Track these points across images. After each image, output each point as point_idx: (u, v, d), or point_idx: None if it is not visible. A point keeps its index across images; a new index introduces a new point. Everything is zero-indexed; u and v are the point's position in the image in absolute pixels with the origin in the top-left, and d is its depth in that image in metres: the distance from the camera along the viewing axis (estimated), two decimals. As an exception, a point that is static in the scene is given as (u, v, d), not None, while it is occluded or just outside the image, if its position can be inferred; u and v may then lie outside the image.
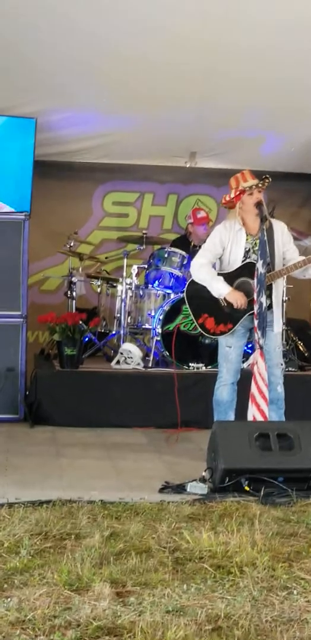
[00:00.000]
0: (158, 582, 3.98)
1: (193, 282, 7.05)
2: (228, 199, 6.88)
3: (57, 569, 4.10)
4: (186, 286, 7.26)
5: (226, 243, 6.86)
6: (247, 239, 6.83)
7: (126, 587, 3.94)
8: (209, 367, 8.68)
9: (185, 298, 7.20)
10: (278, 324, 6.84)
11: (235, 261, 6.84)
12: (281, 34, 7.73)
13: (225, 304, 6.82)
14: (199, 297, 6.98)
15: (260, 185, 6.74)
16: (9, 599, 3.72)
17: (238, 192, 6.76)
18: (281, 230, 6.90)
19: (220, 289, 6.80)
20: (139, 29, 7.69)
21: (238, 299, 6.75)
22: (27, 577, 4.02)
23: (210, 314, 6.92)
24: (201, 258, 6.94)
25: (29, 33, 7.76)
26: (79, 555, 4.28)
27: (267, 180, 6.74)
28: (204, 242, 9.08)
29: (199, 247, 8.90)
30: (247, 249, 6.83)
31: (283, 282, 7.04)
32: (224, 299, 6.81)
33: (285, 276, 7.00)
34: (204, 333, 7.05)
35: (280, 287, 6.94)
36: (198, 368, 8.80)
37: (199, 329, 7.04)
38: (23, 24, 7.61)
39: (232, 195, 6.81)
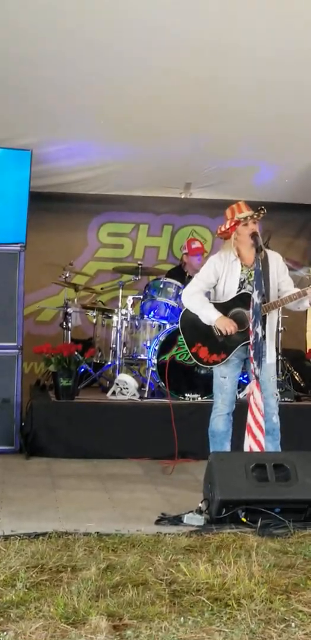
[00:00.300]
0: (155, 615, 3.96)
1: (187, 311, 7.08)
2: (223, 229, 6.91)
3: (53, 602, 4.08)
4: (180, 315, 7.28)
5: (220, 273, 6.88)
6: (242, 270, 6.86)
7: (122, 620, 3.91)
8: (205, 397, 8.67)
9: (179, 327, 7.22)
10: (270, 356, 6.85)
11: (230, 292, 6.86)
12: (276, 66, 7.78)
13: (219, 334, 6.84)
14: (193, 326, 7.01)
15: (255, 216, 6.77)
16: (5, 633, 3.70)
17: (233, 223, 6.80)
18: (276, 261, 6.91)
19: (209, 316, 6.82)
20: (135, 62, 7.73)
21: (226, 326, 6.76)
22: (23, 610, 4.00)
23: (203, 343, 6.94)
24: (192, 286, 6.97)
25: (24, 64, 7.79)
26: (76, 588, 4.26)
27: (262, 212, 6.77)
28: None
29: (194, 277, 8.97)
30: (242, 280, 6.85)
31: (277, 313, 7.05)
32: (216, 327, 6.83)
33: (280, 307, 7.02)
34: (197, 362, 7.06)
35: (273, 319, 6.95)
36: (193, 398, 8.80)
37: (193, 358, 7.06)
38: (19, 56, 7.64)
39: (227, 226, 6.84)
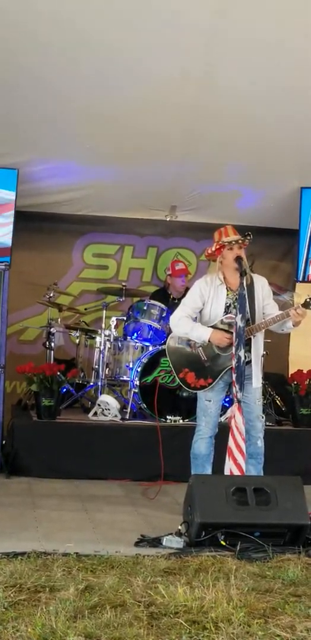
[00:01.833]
0: (133, 637, 3.96)
1: (171, 338, 7.12)
2: (209, 252, 6.94)
3: (31, 622, 4.07)
4: (167, 341, 7.30)
5: (206, 298, 6.89)
6: (228, 294, 6.87)
7: (100, 642, 3.91)
8: (187, 420, 8.68)
9: (166, 352, 7.25)
10: (257, 379, 6.86)
11: (216, 316, 6.87)
12: (258, 95, 7.88)
13: (205, 358, 6.86)
14: (180, 351, 7.05)
15: (240, 241, 6.78)
16: (-19, 652, 3.69)
17: (218, 246, 6.82)
18: (261, 286, 6.93)
19: (201, 335, 6.82)
20: (122, 89, 7.79)
21: (221, 339, 6.77)
22: (0, 629, 3.98)
23: (190, 368, 6.96)
24: (179, 312, 6.98)
25: (9, 84, 7.83)
26: (54, 608, 4.25)
27: (248, 238, 6.80)
28: (182, 293, 9.21)
29: (178, 300, 8.98)
30: (228, 304, 6.86)
31: (262, 337, 7.07)
32: (203, 352, 6.85)
33: (264, 330, 7.03)
34: (185, 387, 7.08)
35: (259, 342, 6.94)
36: (175, 421, 8.79)
37: (180, 384, 7.08)
38: (4, 76, 7.68)
39: (213, 249, 6.87)
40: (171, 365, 7.18)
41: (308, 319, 6.92)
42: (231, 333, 6.72)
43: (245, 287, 6.67)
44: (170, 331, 7.28)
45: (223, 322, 6.84)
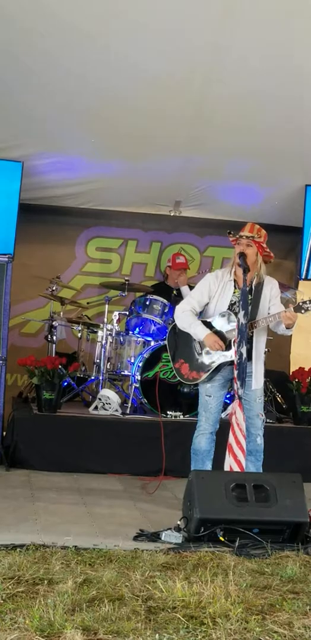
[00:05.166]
0: (130, 630, 3.96)
1: (174, 327, 7.13)
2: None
3: (29, 614, 4.07)
4: (168, 330, 7.33)
5: (213, 292, 6.89)
6: (235, 292, 6.84)
7: (97, 635, 3.91)
8: (188, 415, 8.69)
9: (166, 342, 7.27)
10: (256, 381, 6.82)
11: (219, 312, 6.87)
12: (266, 83, 7.84)
13: (200, 352, 6.88)
14: (179, 342, 7.09)
15: (244, 237, 6.76)
16: (-21, 643, 3.69)
17: (233, 240, 6.82)
18: (270, 288, 6.90)
19: (198, 334, 6.85)
20: (129, 77, 7.78)
21: (212, 344, 6.78)
22: (-2, 621, 3.99)
23: (186, 360, 7.00)
24: (185, 304, 6.99)
25: (17, 77, 7.82)
26: (52, 600, 4.25)
27: (257, 237, 6.75)
28: (179, 286, 9.28)
29: (178, 294, 9.04)
30: (233, 302, 6.82)
31: (264, 337, 7.04)
32: (199, 345, 6.87)
33: (266, 330, 7.00)
34: (179, 378, 7.11)
35: (260, 342, 6.92)
36: (176, 416, 8.80)
37: (176, 374, 7.12)
38: (12, 69, 7.67)
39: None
40: (169, 354, 7.22)
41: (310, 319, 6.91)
42: (225, 339, 6.74)
43: (247, 284, 6.66)
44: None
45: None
